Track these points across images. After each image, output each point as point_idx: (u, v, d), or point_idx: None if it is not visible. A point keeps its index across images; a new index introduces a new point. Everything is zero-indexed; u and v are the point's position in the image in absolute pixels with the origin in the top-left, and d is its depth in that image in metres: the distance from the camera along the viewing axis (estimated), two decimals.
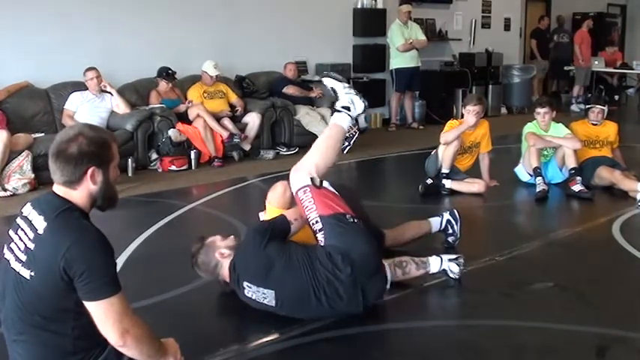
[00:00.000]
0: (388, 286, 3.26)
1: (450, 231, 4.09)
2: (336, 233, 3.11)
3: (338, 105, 3.53)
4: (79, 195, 2.16)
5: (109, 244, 2.12)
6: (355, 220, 3.22)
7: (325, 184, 3.34)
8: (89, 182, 2.15)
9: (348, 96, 3.53)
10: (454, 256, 3.55)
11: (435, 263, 3.51)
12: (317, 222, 3.15)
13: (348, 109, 3.50)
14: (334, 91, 3.57)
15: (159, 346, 2.26)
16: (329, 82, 3.62)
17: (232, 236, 3.31)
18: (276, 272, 3.01)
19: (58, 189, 2.18)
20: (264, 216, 3.57)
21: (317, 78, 8.87)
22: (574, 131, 5.87)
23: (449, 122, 5.80)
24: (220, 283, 3.31)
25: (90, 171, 2.14)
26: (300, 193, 3.24)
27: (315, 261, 3.03)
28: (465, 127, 5.56)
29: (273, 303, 3.03)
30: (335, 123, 3.51)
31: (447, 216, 4.09)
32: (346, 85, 3.58)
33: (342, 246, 3.07)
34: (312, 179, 3.27)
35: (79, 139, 2.13)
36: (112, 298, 2.07)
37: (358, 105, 3.54)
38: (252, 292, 3.06)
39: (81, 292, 2.06)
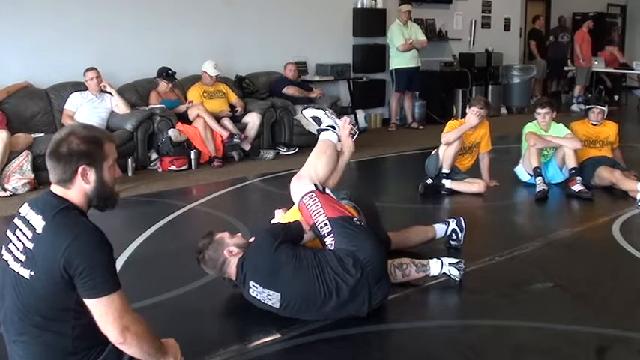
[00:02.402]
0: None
1: (454, 237, 4.10)
2: (345, 235, 3.12)
3: (323, 125, 3.68)
4: (75, 194, 2.16)
5: (108, 242, 2.12)
6: (362, 224, 3.27)
7: (327, 190, 3.38)
8: (81, 181, 2.15)
9: (332, 118, 3.71)
10: (455, 261, 3.56)
11: (435, 266, 3.51)
12: (326, 225, 3.15)
13: (333, 127, 3.67)
14: (317, 119, 3.73)
15: (159, 345, 2.26)
16: (309, 112, 3.78)
17: (240, 234, 3.32)
18: (284, 275, 3.01)
19: (55, 189, 2.18)
20: (281, 214, 3.58)
21: (317, 78, 8.90)
22: (574, 131, 5.87)
23: (449, 122, 5.80)
24: (225, 281, 3.30)
25: (80, 170, 2.14)
26: (305, 199, 3.25)
27: (326, 266, 3.03)
28: (467, 128, 5.56)
29: (277, 305, 3.03)
30: (324, 139, 3.62)
31: (452, 225, 4.10)
32: (327, 111, 3.77)
33: (353, 248, 3.07)
34: (315, 185, 3.31)
35: (69, 139, 2.14)
36: (111, 295, 2.07)
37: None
38: (258, 292, 3.06)
39: (81, 289, 2.06)
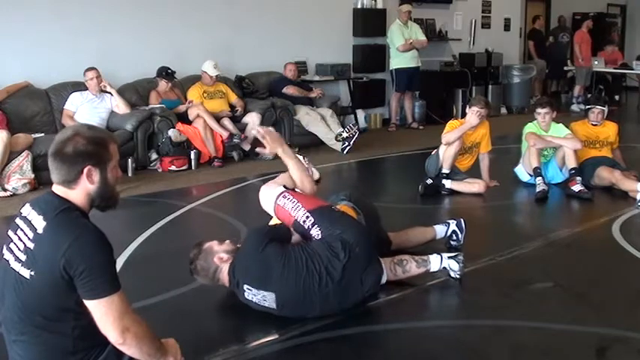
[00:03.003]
0: (384, 280, 3.27)
1: (454, 238, 4.10)
2: (329, 221, 3.16)
3: None
4: (78, 195, 2.17)
5: (108, 243, 2.12)
6: (340, 210, 3.33)
7: (297, 189, 3.42)
8: (86, 182, 2.15)
9: (307, 164, 3.75)
10: (453, 254, 3.57)
11: (435, 261, 3.52)
12: (308, 217, 3.17)
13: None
14: None
15: (159, 346, 2.26)
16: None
17: (228, 240, 3.31)
18: (275, 274, 3.01)
19: (57, 189, 2.18)
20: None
21: (317, 78, 8.90)
22: (574, 131, 5.87)
23: (449, 122, 5.80)
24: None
25: (86, 170, 2.14)
26: (279, 200, 3.26)
27: (314, 256, 3.04)
28: (467, 128, 5.56)
29: (273, 305, 3.03)
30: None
31: (453, 226, 4.09)
32: (305, 158, 3.83)
33: (338, 231, 3.10)
34: (284, 186, 3.34)
35: (75, 139, 2.14)
36: (112, 296, 2.07)
37: (315, 173, 3.83)
38: (253, 294, 3.06)
39: (81, 290, 2.06)
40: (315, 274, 3.01)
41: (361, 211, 3.57)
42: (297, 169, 3.52)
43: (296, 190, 3.42)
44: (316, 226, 3.14)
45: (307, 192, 3.48)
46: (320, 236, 3.13)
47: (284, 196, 3.26)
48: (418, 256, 3.54)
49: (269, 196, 3.32)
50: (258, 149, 3.61)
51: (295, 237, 3.25)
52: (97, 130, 2.30)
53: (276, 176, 3.60)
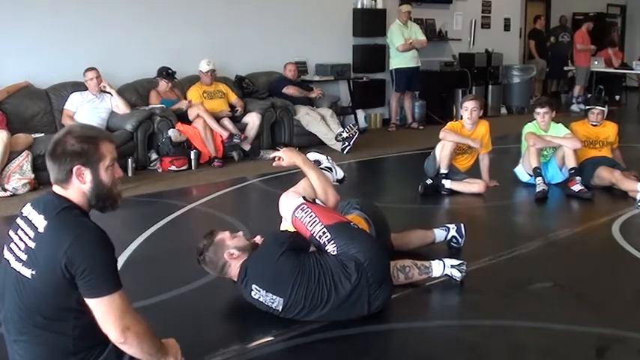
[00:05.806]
0: None
1: (454, 241, 4.10)
2: (346, 238, 3.12)
3: (322, 166, 3.77)
4: (74, 194, 2.17)
5: (109, 242, 2.12)
6: (359, 227, 3.29)
7: (317, 201, 3.39)
8: (77, 181, 2.15)
9: (331, 164, 3.82)
10: (457, 262, 3.55)
11: (437, 268, 3.51)
12: (324, 233, 3.14)
13: (330, 169, 3.75)
14: (317, 162, 3.81)
15: (160, 345, 2.26)
16: (312, 155, 3.87)
17: (241, 232, 3.30)
18: (287, 283, 3.00)
19: (56, 188, 2.19)
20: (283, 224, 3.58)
21: (317, 78, 8.90)
22: (574, 131, 5.87)
23: (450, 123, 5.85)
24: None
25: (75, 170, 2.13)
26: (297, 212, 3.23)
27: (327, 272, 3.03)
28: (464, 142, 5.61)
29: (280, 307, 3.03)
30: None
31: (452, 232, 4.09)
32: (329, 157, 3.88)
33: (354, 250, 3.07)
34: (304, 197, 3.31)
35: (65, 138, 2.14)
36: (113, 295, 2.07)
37: (339, 172, 3.82)
38: (261, 295, 3.05)
39: (82, 289, 2.06)
40: (324, 290, 3.00)
41: (372, 222, 3.56)
42: (319, 180, 3.47)
43: (317, 201, 3.38)
44: (332, 242, 3.12)
45: (331, 203, 3.44)
46: (335, 252, 3.11)
47: (302, 209, 3.22)
48: (420, 262, 3.53)
49: (287, 207, 3.29)
50: (275, 163, 3.59)
51: (313, 248, 3.24)
52: (90, 129, 2.29)
53: (293, 174, 3.56)
